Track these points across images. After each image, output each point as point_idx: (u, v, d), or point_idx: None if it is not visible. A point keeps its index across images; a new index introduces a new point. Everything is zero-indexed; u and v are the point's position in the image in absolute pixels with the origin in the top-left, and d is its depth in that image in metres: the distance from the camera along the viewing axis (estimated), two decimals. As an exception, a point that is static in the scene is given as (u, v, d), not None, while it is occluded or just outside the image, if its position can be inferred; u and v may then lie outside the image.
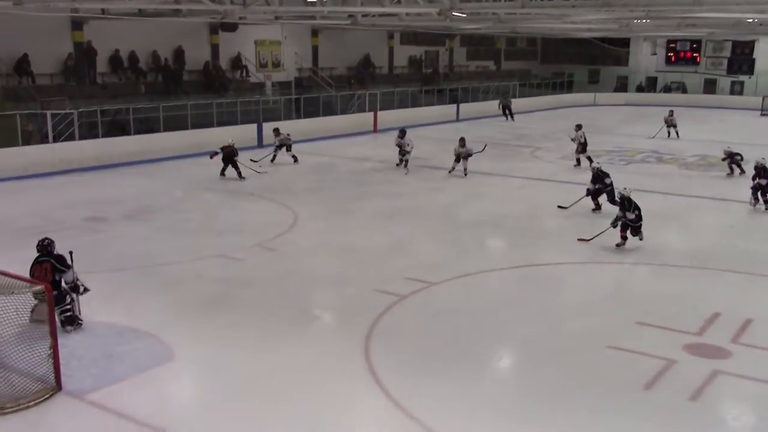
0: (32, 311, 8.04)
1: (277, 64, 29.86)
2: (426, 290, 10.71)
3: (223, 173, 18.94)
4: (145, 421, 6.95)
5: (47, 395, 7.36)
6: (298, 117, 27.95)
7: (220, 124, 24.46)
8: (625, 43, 46.23)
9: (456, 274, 11.39)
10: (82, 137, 20.78)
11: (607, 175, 15.18)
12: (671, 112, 28.72)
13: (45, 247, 9.08)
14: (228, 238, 13.25)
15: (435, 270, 11.55)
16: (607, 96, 44.66)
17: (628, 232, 12.61)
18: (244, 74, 29.59)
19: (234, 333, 9.05)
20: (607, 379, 7.98)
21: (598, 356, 8.57)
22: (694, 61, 45.44)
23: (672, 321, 9.49)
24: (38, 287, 7.57)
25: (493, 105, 35.80)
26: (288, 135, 21.57)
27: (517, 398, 7.67)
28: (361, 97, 30.85)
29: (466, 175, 19.55)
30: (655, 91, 46.04)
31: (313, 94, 29.34)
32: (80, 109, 20.90)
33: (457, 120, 34.44)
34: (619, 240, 12.67)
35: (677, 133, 28.05)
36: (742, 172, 19.48)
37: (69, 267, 8.97)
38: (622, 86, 47.43)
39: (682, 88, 45.66)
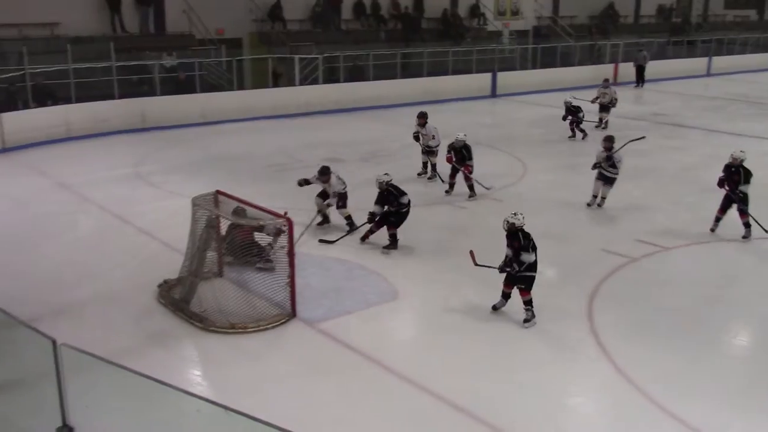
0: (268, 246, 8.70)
1: (515, 12, 29.23)
2: (657, 255, 10.12)
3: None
4: (367, 354, 7.31)
5: (283, 320, 7.98)
6: (534, 67, 27.29)
7: (455, 72, 24.57)
8: None
9: (691, 241, 10.63)
10: (325, 81, 21.93)
11: None
12: None
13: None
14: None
15: (669, 234, 10.86)
16: None
17: None
18: (481, 22, 29.32)
19: (455, 278, 9.17)
20: None
21: None
22: None
23: None
24: (281, 220, 8.15)
25: (751, 60, 32.45)
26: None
27: (745, 382, 7.06)
28: (602, 47, 29.39)
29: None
30: None
31: (551, 44, 28.41)
32: (324, 54, 21.99)
33: (708, 74, 31.71)
34: None
35: None
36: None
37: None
38: None
39: None
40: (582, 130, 17.93)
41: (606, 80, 19.83)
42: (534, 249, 7.93)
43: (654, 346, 7.58)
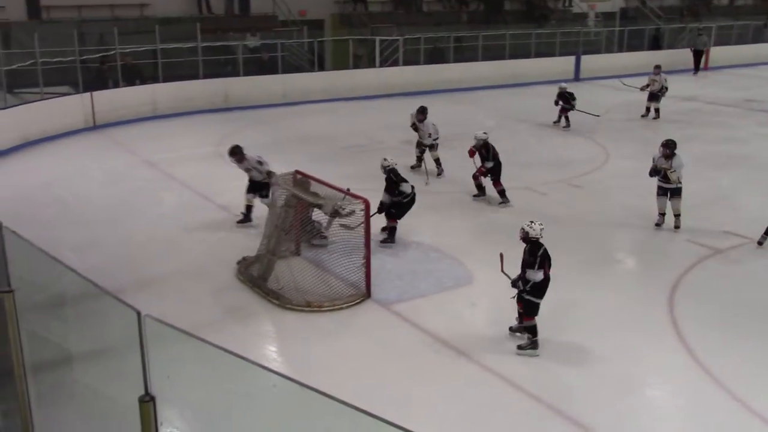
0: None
1: (603, -6, 28.40)
2: (745, 247, 9.73)
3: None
4: (440, 337, 7.30)
5: (358, 300, 8.05)
6: (620, 50, 26.49)
7: (538, 55, 24.11)
8: None
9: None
10: (405, 63, 21.87)
11: None
12: None
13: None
14: (534, 171, 13.16)
15: (759, 227, 10.39)
16: None
17: None
18: (566, 3, 28.63)
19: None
20: None
21: None
22: None
23: None
24: (357, 201, 8.19)
25: None
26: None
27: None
28: (693, 30, 28.28)
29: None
30: None
31: (639, 26, 27.50)
32: (405, 36, 21.92)
33: (807, 59, 30.14)
34: None
35: None
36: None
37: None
38: None
39: None
40: (567, 119, 16.94)
41: (657, 66, 18.44)
42: (543, 266, 6.79)
43: (736, 340, 7.31)
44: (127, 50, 17.34)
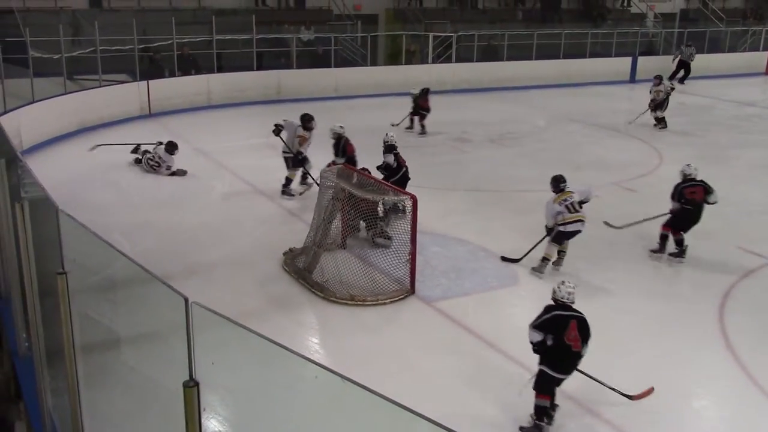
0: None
1: (663, -6, 27.91)
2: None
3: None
4: (483, 337, 7.25)
5: (402, 296, 8.04)
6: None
7: (593, 55, 23.76)
8: None
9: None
10: (458, 60, 21.76)
11: None
12: None
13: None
14: (586, 173, 12.96)
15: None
16: None
17: None
18: (625, 3, 28.14)
19: (578, 268, 8.91)
20: None
21: None
22: None
23: None
24: (405, 196, 8.18)
25: None
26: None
27: None
28: (756, 33, 27.53)
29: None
30: None
31: (699, 29, 26.88)
32: (459, 33, 21.80)
33: None
34: None
35: None
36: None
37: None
38: None
39: None
40: (413, 123, 15.95)
41: (658, 77, 17.16)
42: (545, 330, 5.70)
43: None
44: (184, 40, 17.62)
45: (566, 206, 8.33)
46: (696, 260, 9.54)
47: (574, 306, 5.80)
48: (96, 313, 4.21)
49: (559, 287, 5.86)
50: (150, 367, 3.57)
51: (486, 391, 6.44)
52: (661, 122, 16.82)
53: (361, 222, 9.15)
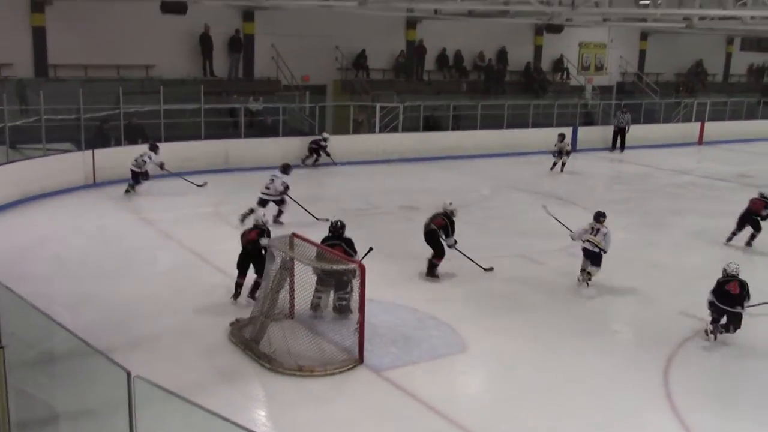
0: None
1: (600, 68, 29.05)
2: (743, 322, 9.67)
3: None
4: (432, 405, 7.20)
5: (350, 366, 7.97)
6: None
7: (535, 125, 24.49)
8: None
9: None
10: (404, 130, 22.19)
11: None
12: None
13: (337, 230, 9.46)
14: (532, 240, 13.20)
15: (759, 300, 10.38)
16: None
17: None
18: (564, 76, 29.22)
19: (526, 333, 9.00)
20: None
21: None
22: None
23: None
24: (352, 266, 8.19)
25: None
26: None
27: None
28: (688, 105, 28.81)
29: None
30: None
31: (635, 100, 28.03)
32: (405, 104, 22.30)
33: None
34: None
35: None
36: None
37: (356, 252, 9.22)
38: None
39: None
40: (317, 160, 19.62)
41: (561, 134, 20.18)
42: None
43: (732, 420, 7.22)
44: (132, 109, 17.58)
45: None
46: (640, 323, 9.72)
47: None
48: (34, 388, 4.08)
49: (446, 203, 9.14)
50: (90, 445, 3.46)
51: (436, 461, 6.36)
52: (555, 166, 19.73)
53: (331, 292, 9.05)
